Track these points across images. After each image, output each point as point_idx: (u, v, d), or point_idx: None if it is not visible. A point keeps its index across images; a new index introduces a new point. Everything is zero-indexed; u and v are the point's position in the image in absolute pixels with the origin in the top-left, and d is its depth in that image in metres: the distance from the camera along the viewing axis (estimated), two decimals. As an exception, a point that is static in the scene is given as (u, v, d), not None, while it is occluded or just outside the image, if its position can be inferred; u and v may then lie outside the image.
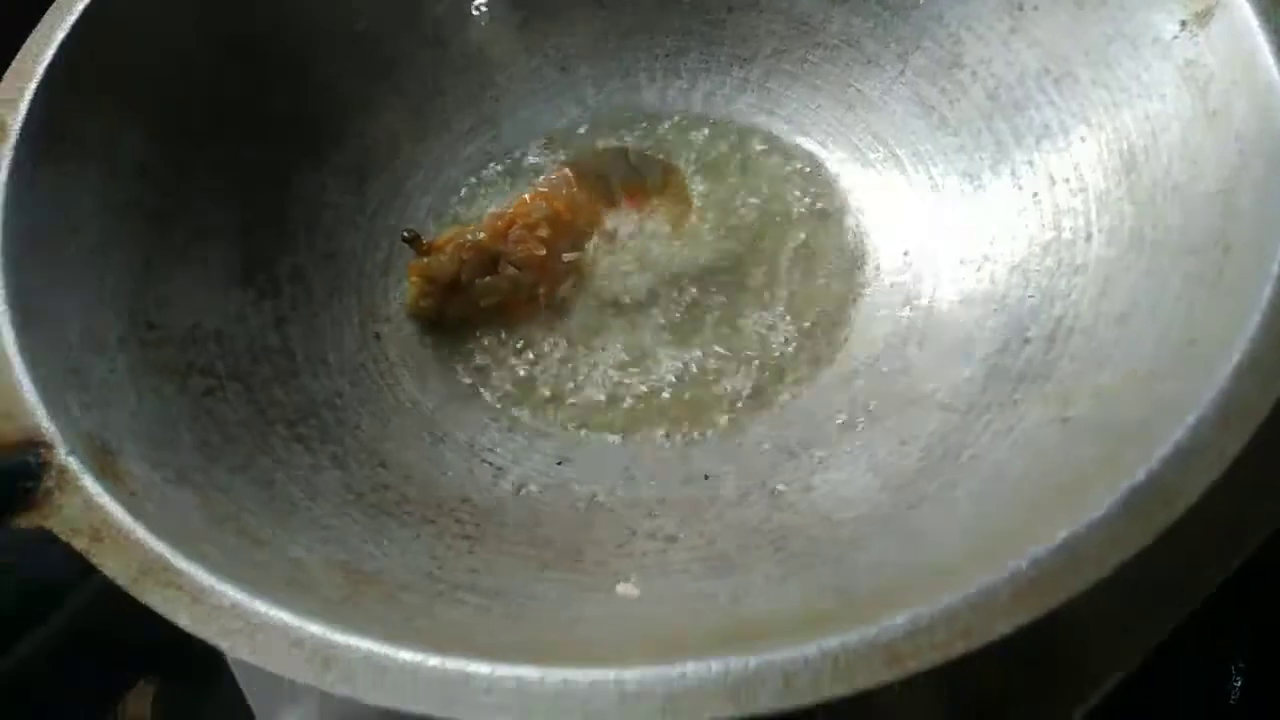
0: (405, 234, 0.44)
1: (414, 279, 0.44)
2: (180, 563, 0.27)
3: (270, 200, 0.45)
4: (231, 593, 0.26)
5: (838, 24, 0.50)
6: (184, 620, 0.25)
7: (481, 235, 0.44)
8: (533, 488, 0.39)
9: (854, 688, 0.23)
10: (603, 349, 0.44)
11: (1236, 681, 0.53)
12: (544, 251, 0.45)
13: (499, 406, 0.43)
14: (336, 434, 0.39)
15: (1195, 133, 0.36)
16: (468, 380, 0.44)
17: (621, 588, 0.33)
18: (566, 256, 0.46)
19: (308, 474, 0.36)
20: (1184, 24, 0.37)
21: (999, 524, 0.29)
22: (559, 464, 0.40)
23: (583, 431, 0.42)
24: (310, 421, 0.39)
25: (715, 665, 0.24)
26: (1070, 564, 0.24)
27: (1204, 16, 0.37)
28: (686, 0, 0.52)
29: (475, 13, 0.50)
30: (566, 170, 0.48)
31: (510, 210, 0.46)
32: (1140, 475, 0.25)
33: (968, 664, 0.40)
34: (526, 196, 0.46)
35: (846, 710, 0.33)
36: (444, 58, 0.51)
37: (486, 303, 0.45)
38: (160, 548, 0.27)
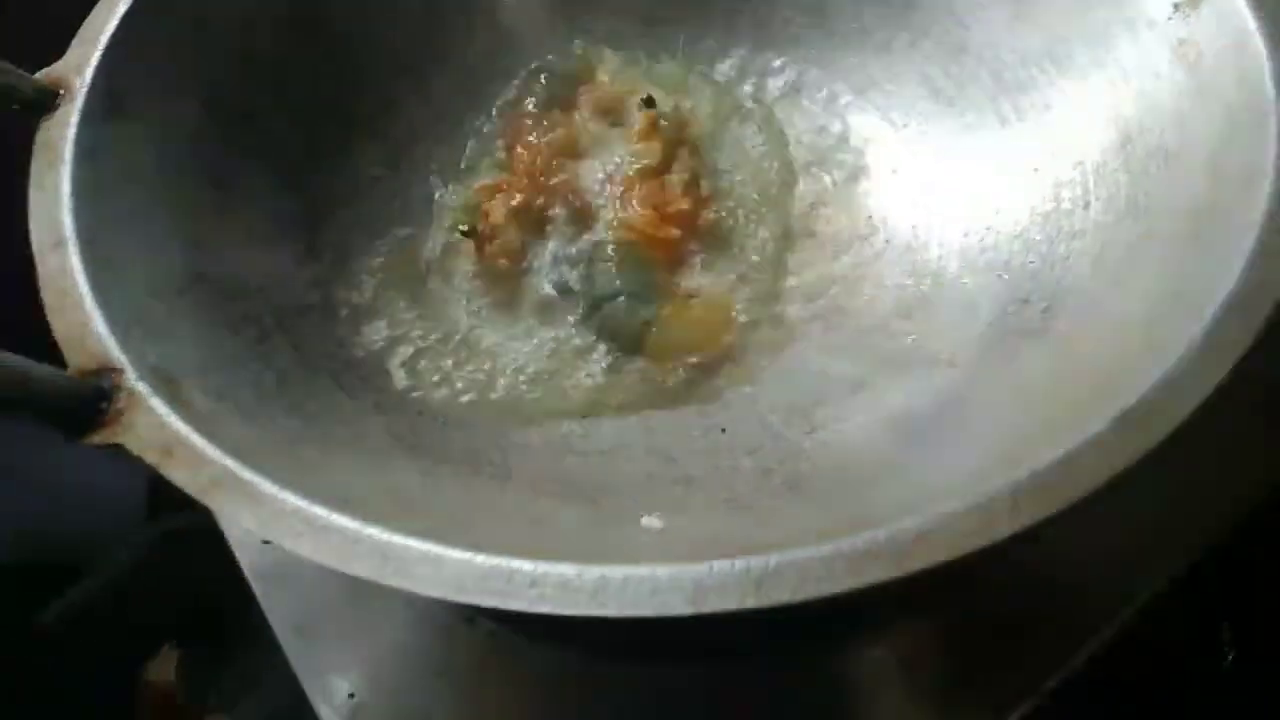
0: (461, 230, 0.47)
1: (502, 264, 0.46)
2: (246, 474, 0.29)
3: (312, 170, 0.48)
4: (293, 499, 0.28)
5: (850, 12, 0.52)
6: (250, 522, 0.28)
7: (518, 198, 0.46)
8: (559, 436, 0.42)
9: (865, 581, 0.25)
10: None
11: (1229, 653, 0.55)
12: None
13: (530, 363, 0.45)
14: (376, 384, 0.41)
15: (1186, 105, 0.38)
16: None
17: (646, 520, 0.35)
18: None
19: (351, 418, 0.39)
20: (1176, 6, 0.40)
21: (1001, 453, 0.32)
22: (583, 417, 0.43)
23: (610, 385, 0.44)
24: (351, 373, 0.41)
25: (739, 563, 0.26)
26: (1066, 475, 0.26)
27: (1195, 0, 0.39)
28: (706, -10, 0.55)
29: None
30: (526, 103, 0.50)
31: (515, 169, 0.48)
32: (1132, 398, 0.28)
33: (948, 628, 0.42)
34: (517, 149, 0.49)
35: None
36: (475, 39, 0.54)
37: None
38: (227, 460, 0.29)
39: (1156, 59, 0.40)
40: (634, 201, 0.46)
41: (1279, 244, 0.30)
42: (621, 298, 0.44)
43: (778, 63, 0.54)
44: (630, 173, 0.47)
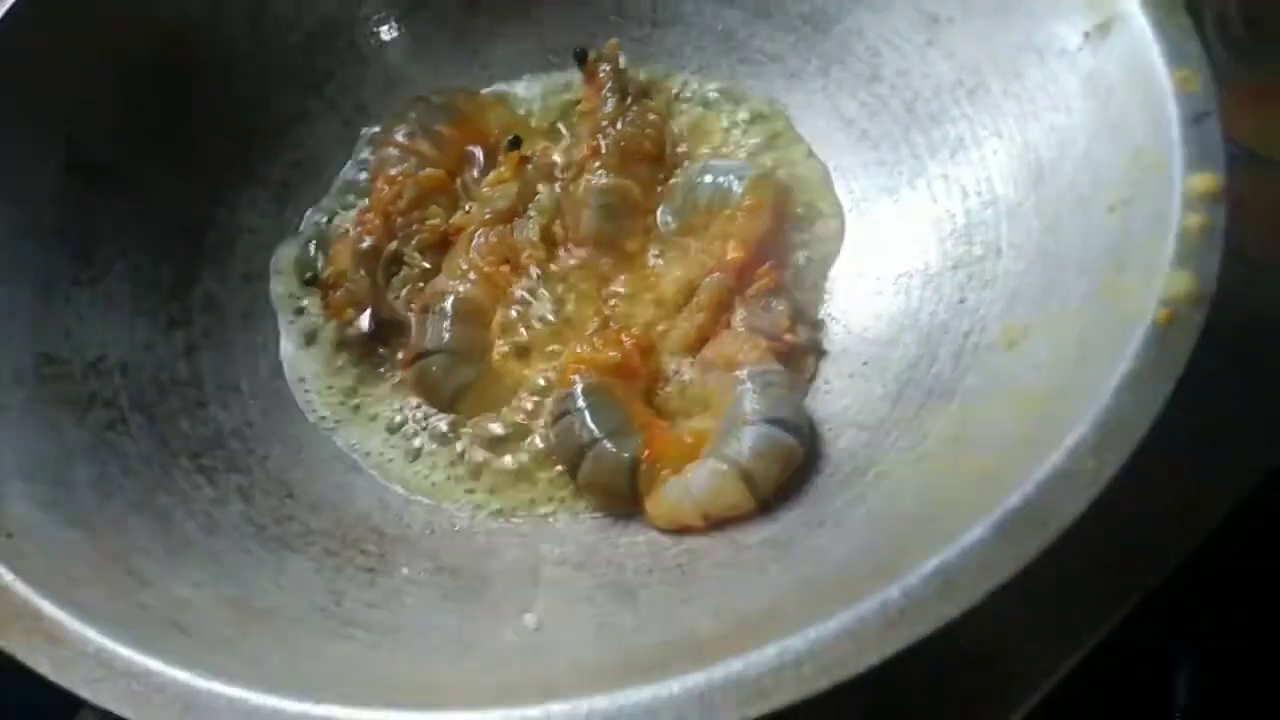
0: (303, 277, 0.44)
1: (348, 314, 0.43)
2: (48, 608, 0.26)
3: (187, 225, 0.45)
4: (96, 638, 0.25)
5: (761, 39, 0.50)
6: (45, 668, 0.25)
7: (368, 242, 0.44)
8: (443, 514, 0.39)
9: (718, 724, 0.23)
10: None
11: (1180, 681, 0.52)
12: (438, 220, 0.45)
13: (416, 434, 0.42)
14: (244, 464, 0.38)
15: (1098, 145, 0.35)
16: (387, 406, 0.43)
17: (527, 618, 0.33)
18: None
19: (209, 508, 0.36)
20: (1087, 35, 0.37)
21: (887, 543, 0.29)
22: (470, 492, 0.40)
23: (501, 455, 0.41)
24: (216, 453, 0.38)
25: (581, 706, 0.23)
26: (942, 591, 0.24)
27: (1104, 28, 0.37)
28: (612, 16, 0.52)
29: (387, 36, 0.50)
30: (388, 148, 0.47)
31: (373, 204, 0.45)
32: (1014, 499, 0.25)
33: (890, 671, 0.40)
34: (378, 183, 0.46)
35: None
36: (366, 75, 0.51)
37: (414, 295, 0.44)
38: (28, 592, 0.26)
39: (1068, 92, 0.38)
40: (479, 248, 0.44)
41: (1182, 315, 0.28)
42: (439, 355, 0.42)
43: (684, 92, 0.51)
44: (485, 216, 0.45)
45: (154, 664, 0.25)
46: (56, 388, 0.36)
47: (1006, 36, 0.40)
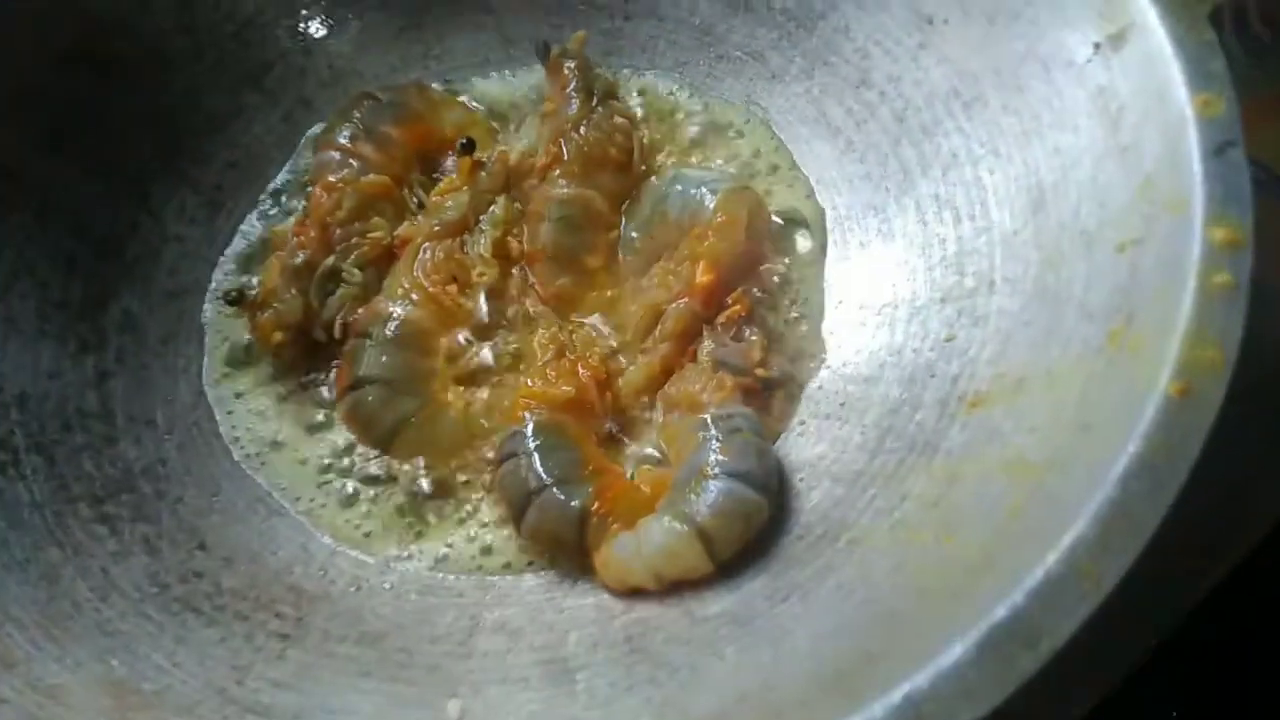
0: (227, 297, 0.40)
1: (277, 337, 0.39)
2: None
3: (105, 235, 0.41)
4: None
5: (741, 35, 0.46)
6: None
7: (301, 257, 0.40)
8: (373, 569, 0.35)
9: None
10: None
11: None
12: (380, 233, 0.41)
13: (350, 476, 0.38)
14: (152, 511, 0.35)
15: (1106, 170, 0.32)
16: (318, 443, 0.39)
17: (451, 705, 0.29)
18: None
19: (107, 564, 0.32)
20: (1098, 47, 0.33)
21: (856, 639, 0.26)
22: (406, 544, 0.36)
23: (442, 503, 0.37)
24: (122, 498, 0.35)
25: None
26: (912, 724, 0.21)
27: (1118, 39, 0.33)
28: (580, 6, 0.48)
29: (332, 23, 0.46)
30: (329, 150, 0.42)
31: (309, 214, 0.41)
32: (1001, 611, 0.22)
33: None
34: (316, 190, 0.41)
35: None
36: (309, 67, 0.47)
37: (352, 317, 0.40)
38: None
39: (1074, 109, 0.34)
40: (425, 265, 0.40)
41: (1200, 389, 0.24)
42: (375, 385, 0.38)
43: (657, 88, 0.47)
44: (432, 228, 0.41)
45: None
46: (-62, 428, 0.32)
47: (1008, 44, 0.36)
